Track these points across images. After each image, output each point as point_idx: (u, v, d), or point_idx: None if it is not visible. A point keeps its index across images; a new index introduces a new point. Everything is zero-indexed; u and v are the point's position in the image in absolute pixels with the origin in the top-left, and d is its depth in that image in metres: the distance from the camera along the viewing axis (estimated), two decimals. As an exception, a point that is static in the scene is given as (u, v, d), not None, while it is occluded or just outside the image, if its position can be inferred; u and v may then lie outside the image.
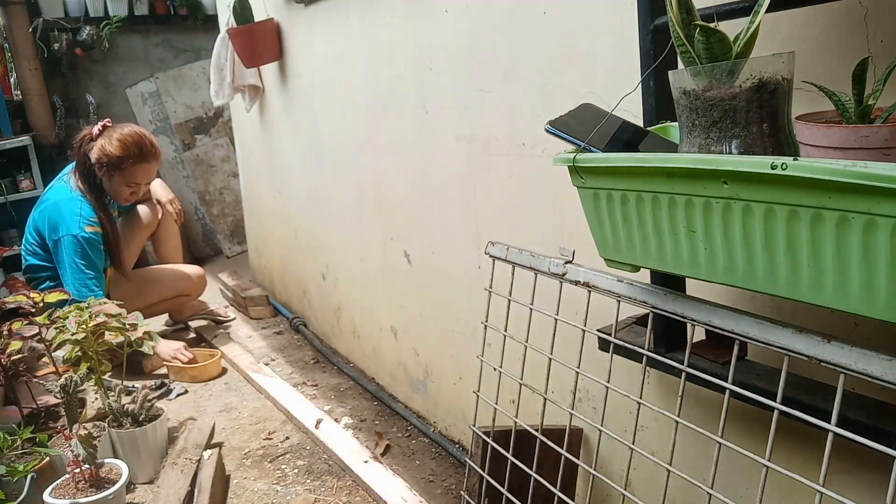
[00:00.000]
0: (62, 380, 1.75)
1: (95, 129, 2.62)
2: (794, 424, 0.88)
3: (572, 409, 1.19)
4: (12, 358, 1.92)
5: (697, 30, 0.80)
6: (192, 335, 3.10)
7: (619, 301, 1.08)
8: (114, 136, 2.58)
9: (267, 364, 2.76)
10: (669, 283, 1.10)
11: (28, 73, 4.06)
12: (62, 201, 2.61)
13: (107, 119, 2.70)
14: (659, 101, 1.05)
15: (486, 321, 1.37)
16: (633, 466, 1.44)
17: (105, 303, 1.91)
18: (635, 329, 1.21)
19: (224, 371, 2.74)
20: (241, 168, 3.81)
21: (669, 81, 0.87)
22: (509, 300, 1.31)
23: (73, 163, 2.71)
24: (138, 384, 2.49)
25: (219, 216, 4.59)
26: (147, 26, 4.49)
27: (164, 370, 2.73)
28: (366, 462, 1.91)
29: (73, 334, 1.79)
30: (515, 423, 1.31)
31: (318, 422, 2.17)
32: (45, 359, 2.21)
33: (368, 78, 2.23)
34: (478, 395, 1.41)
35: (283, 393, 2.42)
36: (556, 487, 1.19)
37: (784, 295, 0.78)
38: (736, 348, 0.90)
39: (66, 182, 2.66)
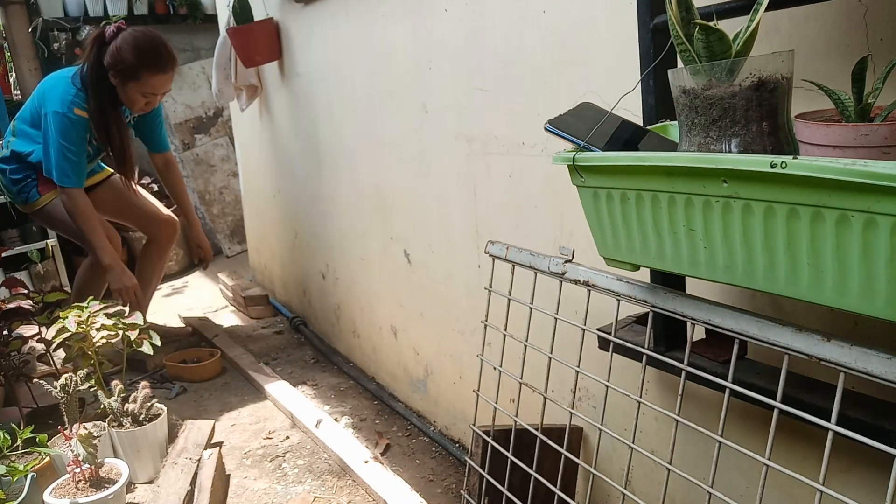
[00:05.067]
0: (62, 380, 1.75)
1: (109, 31, 2.44)
2: (794, 423, 0.88)
3: (572, 408, 1.19)
4: (12, 358, 1.92)
5: (697, 28, 0.80)
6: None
7: (618, 300, 1.08)
8: (129, 40, 2.38)
9: (267, 363, 2.76)
10: (669, 281, 1.10)
11: (28, 73, 4.07)
12: (59, 81, 2.49)
13: (121, 21, 2.53)
14: (658, 99, 1.05)
15: (486, 320, 1.37)
16: (634, 465, 1.44)
17: (108, 304, 1.91)
18: (635, 328, 1.21)
19: (224, 370, 2.74)
20: (241, 167, 3.81)
21: (669, 80, 0.87)
22: (509, 299, 1.31)
23: (78, 66, 2.54)
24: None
25: (219, 216, 4.59)
26: (146, 26, 4.48)
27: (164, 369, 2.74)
28: (366, 462, 1.90)
29: (73, 334, 1.79)
30: (515, 422, 1.31)
31: (319, 422, 2.17)
32: (45, 358, 2.21)
33: (368, 77, 2.23)
34: (478, 395, 1.41)
35: (284, 392, 2.42)
36: (556, 486, 1.19)
37: (784, 293, 0.78)
38: (736, 347, 0.90)
39: (68, 74, 2.51)
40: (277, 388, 2.45)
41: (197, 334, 3.10)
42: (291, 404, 2.32)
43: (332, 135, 2.57)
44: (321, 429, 2.13)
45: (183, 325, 3.20)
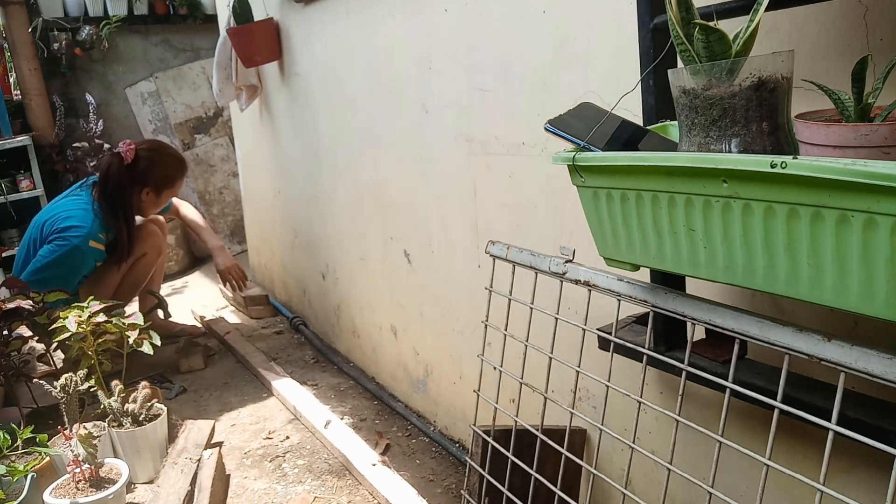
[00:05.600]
0: (62, 380, 1.75)
1: (128, 153, 2.58)
2: (794, 423, 0.88)
3: (573, 408, 1.19)
4: (12, 358, 1.92)
5: (697, 28, 0.80)
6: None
7: (619, 300, 1.07)
8: (162, 157, 2.68)
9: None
10: (669, 281, 1.10)
11: (28, 73, 4.06)
12: (74, 208, 2.57)
13: (128, 140, 2.67)
14: (658, 99, 1.05)
15: (487, 320, 1.37)
16: (634, 465, 1.44)
17: (106, 303, 1.91)
18: (635, 328, 1.21)
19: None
20: (241, 168, 3.81)
21: (669, 80, 0.87)
22: (510, 299, 1.31)
23: (87, 182, 2.68)
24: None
25: (219, 216, 4.59)
26: (146, 26, 4.49)
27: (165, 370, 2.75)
28: (374, 465, 1.90)
29: (73, 334, 1.79)
30: (516, 422, 1.31)
31: (327, 423, 2.16)
32: (45, 358, 2.21)
33: (368, 77, 2.23)
34: (478, 395, 1.41)
35: (293, 392, 2.42)
36: (556, 486, 1.19)
37: (784, 293, 0.77)
38: (736, 347, 0.90)
39: (85, 202, 2.60)
40: (286, 388, 2.45)
41: (206, 334, 3.11)
42: (300, 404, 2.32)
43: (332, 135, 2.57)
44: (329, 429, 2.13)
45: (198, 323, 3.24)
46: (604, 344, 1.21)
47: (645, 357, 1.06)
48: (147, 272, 2.87)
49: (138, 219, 2.79)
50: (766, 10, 0.80)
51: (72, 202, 2.64)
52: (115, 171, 2.59)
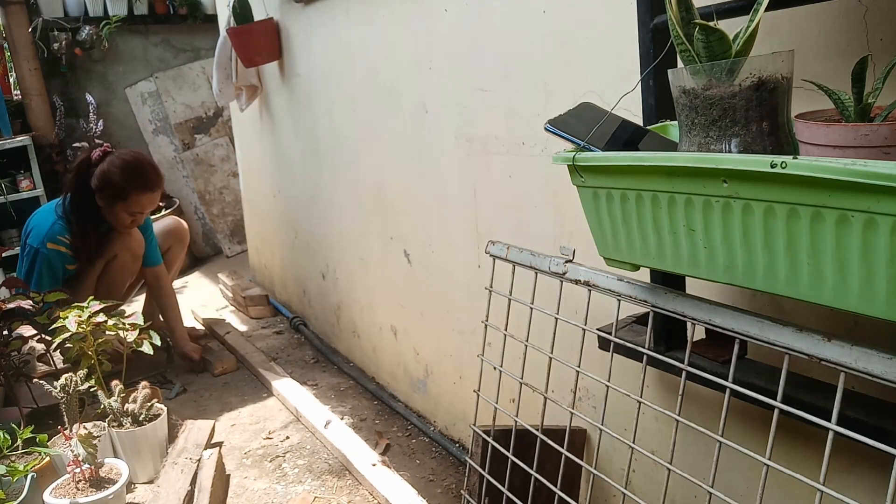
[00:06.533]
0: (62, 380, 1.75)
1: (95, 154, 2.51)
2: (794, 423, 0.88)
3: (573, 408, 1.19)
4: (12, 358, 1.92)
5: (697, 28, 0.80)
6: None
7: (619, 300, 1.08)
8: (116, 163, 2.48)
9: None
10: (669, 282, 1.10)
11: (28, 73, 4.06)
12: (43, 214, 2.57)
13: (105, 144, 2.60)
14: (658, 99, 1.05)
15: (487, 320, 1.37)
16: (634, 465, 1.44)
17: (107, 303, 1.91)
18: (635, 328, 1.21)
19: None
20: (241, 167, 3.81)
21: (669, 80, 0.87)
22: (510, 299, 1.31)
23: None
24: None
25: (219, 216, 4.59)
26: (146, 26, 4.49)
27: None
28: (374, 465, 1.90)
29: (73, 334, 1.79)
30: (516, 422, 1.31)
31: (328, 423, 2.16)
32: (45, 358, 2.21)
33: (368, 77, 2.23)
34: (478, 395, 1.41)
35: (293, 391, 2.42)
36: (556, 486, 1.19)
37: (784, 294, 0.78)
38: (736, 347, 0.90)
39: (52, 206, 2.59)
40: (286, 388, 2.45)
41: (207, 336, 3.12)
42: (301, 404, 2.32)
43: (332, 135, 2.57)
44: (329, 429, 2.13)
45: (198, 324, 3.24)
46: (604, 344, 1.21)
47: (645, 357, 1.06)
48: (122, 276, 2.71)
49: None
50: (766, 10, 0.80)
51: (45, 207, 2.63)
52: (80, 171, 2.51)
